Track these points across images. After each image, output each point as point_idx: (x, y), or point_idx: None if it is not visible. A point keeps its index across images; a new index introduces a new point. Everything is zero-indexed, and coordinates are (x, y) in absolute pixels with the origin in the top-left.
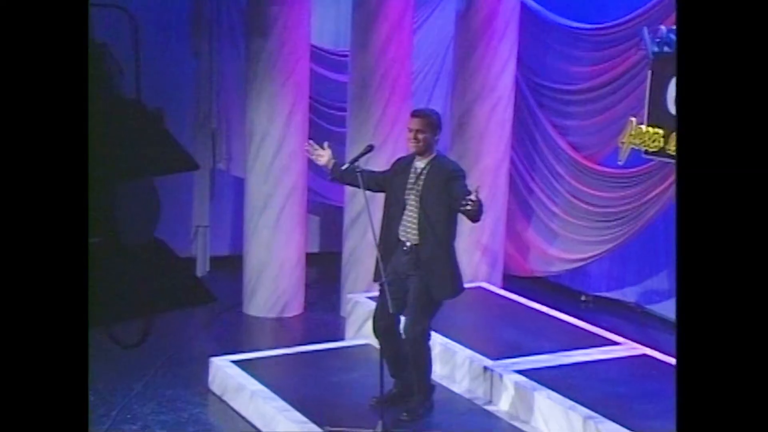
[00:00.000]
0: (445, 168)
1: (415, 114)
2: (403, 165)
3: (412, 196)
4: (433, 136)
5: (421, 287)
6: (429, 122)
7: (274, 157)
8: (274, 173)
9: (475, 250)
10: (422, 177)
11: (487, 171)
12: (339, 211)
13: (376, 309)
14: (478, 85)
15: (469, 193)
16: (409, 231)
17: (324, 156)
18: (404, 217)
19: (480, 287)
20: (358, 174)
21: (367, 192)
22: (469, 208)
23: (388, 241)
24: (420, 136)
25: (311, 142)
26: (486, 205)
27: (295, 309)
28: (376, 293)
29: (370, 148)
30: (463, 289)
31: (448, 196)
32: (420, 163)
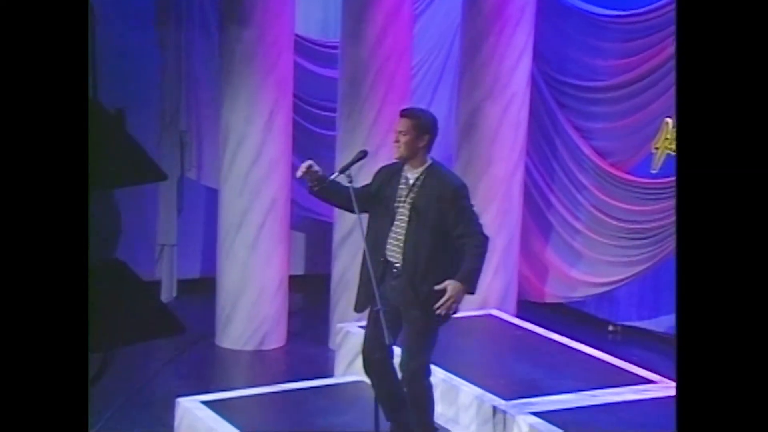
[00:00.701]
0: (441, 182)
1: (400, 113)
2: (389, 174)
3: (404, 211)
4: (417, 141)
5: (417, 314)
6: (414, 124)
7: (252, 164)
8: (253, 183)
9: (484, 273)
10: (415, 189)
11: (499, 180)
12: (327, 227)
13: (367, 340)
14: (488, 81)
15: (472, 221)
16: (398, 250)
17: (315, 170)
18: (392, 234)
19: (490, 315)
20: (349, 188)
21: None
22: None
23: (376, 261)
24: (402, 139)
25: (312, 163)
26: (498, 221)
27: (277, 340)
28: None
29: (363, 155)
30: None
31: (443, 223)
32: (411, 174)
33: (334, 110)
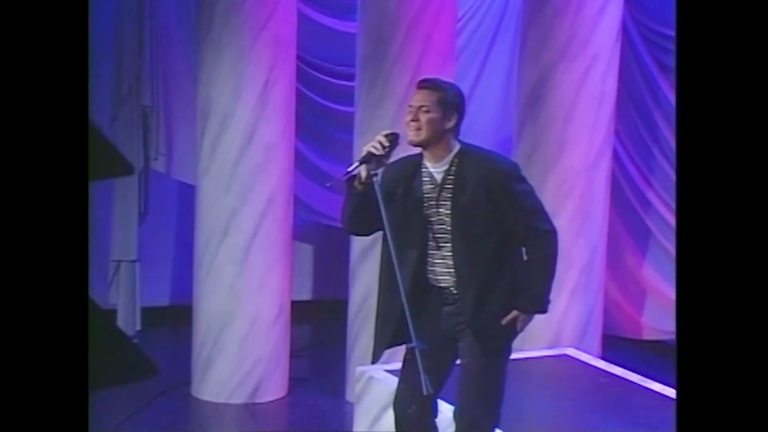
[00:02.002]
0: (484, 167)
1: (419, 85)
2: (403, 173)
3: (441, 218)
4: (444, 121)
5: (475, 350)
6: (440, 98)
7: (240, 152)
8: (242, 177)
9: (557, 296)
10: (449, 184)
11: (576, 173)
12: (344, 236)
13: (399, 389)
14: (561, 38)
15: (535, 214)
16: (448, 271)
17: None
18: (433, 250)
19: (565, 355)
20: (373, 179)
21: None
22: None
23: (415, 287)
24: (422, 117)
25: (392, 136)
26: (575, 226)
27: (275, 390)
28: (399, 365)
29: (394, 139)
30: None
31: (499, 221)
32: (436, 167)
33: (351, 78)
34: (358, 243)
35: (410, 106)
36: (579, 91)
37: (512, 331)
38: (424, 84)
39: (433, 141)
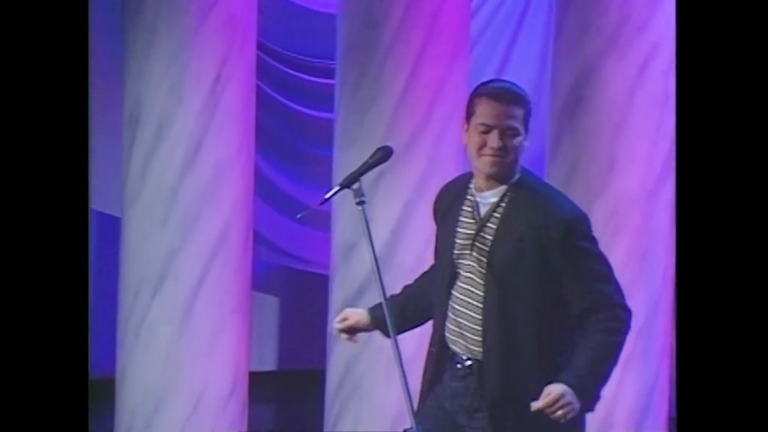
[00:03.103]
0: (539, 210)
1: (497, 95)
2: (449, 198)
3: (472, 264)
4: (525, 140)
5: None
6: (525, 114)
7: (182, 172)
8: (183, 206)
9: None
10: (492, 224)
11: (630, 198)
12: (319, 284)
13: None
14: (608, 23)
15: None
16: (465, 335)
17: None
18: (455, 304)
19: None
20: (359, 207)
21: (375, 251)
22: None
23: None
24: (509, 143)
25: (347, 316)
26: (629, 272)
27: None
28: None
29: (383, 156)
30: None
31: (547, 286)
32: (484, 195)
33: (330, 73)
34: (339, 292)
35: (485, 125)
36: (633, 92)
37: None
38: (509, 94)
39: (513, 170)
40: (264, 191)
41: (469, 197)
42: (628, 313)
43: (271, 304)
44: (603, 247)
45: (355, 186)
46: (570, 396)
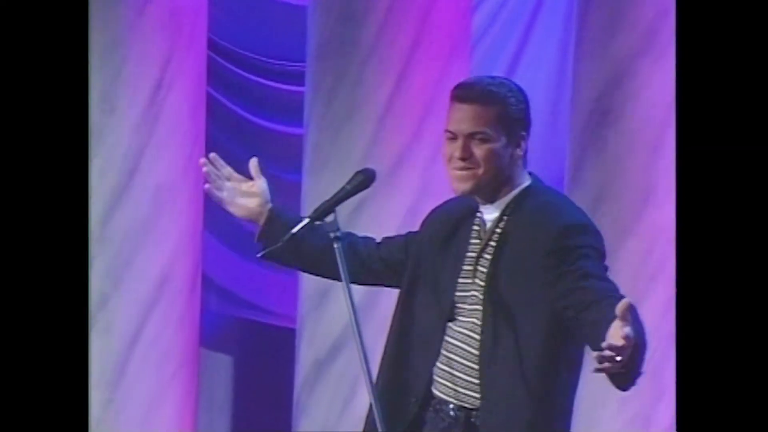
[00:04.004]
0: (541, 216)
1: (460, 94)
2: (448, 218)
3: (473, 291)
4: (510, 146)
5: None
6: (500, 113)
7: (114, 199)
8: (116, 241)
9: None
10: (493, 240)
11: (669, 236)
12: (284, 338)
13: None
14: (643, 18)
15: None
16: (455, 375)
17: (250, 192)
18: (450, 341)
19: None
20: (333, 244)
21: (355, 287)
22: (607, 364)
23: (401, 394)
24: (477, 152)
25: (214, 156)
26: (668, 324)
27: None
28: None
29: (364, 181)
30: None
31: (557, 298)
32: (488, 208)
33: (298, 78)
34: (308, 350)
35: (449, 131)
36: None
37: None
38: (473, 91)
39: (494, 184)
40: (215, 224)
41: (478, 214)
42: (640, 356)
43: (222, 364)
44: (636, 293)
45: (330, 218)
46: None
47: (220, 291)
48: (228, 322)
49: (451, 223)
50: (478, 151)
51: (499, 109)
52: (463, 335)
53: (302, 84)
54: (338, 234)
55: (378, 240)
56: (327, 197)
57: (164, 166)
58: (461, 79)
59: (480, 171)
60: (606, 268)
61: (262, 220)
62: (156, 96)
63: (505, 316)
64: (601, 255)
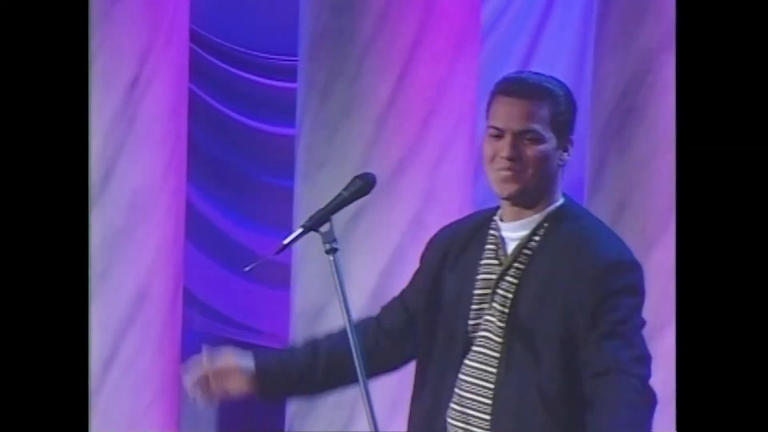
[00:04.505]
0: (579, 245)
1: (510, 87)
2: (460, 239)
3: (490, 317)
4: (559, 150)
5: None
6: (552, 111)
7: (87, 204)
8: (89, 254)
9: None
10: (521, 262)
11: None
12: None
13: None
14: (667, 9)
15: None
16: (468, 415)
17: (229, 372)
18: (465, 379)
19: None
20: (329, 256)
21: (352, 317)
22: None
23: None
24: (528, 152)
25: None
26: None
27: None
28: None
29: (362, 188)
30: None
31: (575, 349)
32: (512, 227)
33: (289, 74)
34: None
35: (495, 128)
36: None
37: None
38: (525, 86)
39: (539, 191)
40: (198, 234)
41: (492, 232)
42: (645, 385)
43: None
44: (663, 316)
45: (325, 228)
46: None
47: (204, 308)
48: (212, 343)
49: (455, 248)
50: (529, 151)
51: (552, 107)
52: (477, 369)
53: (294, 80)
54: (334, 245)
55: (376, 313)
56: (322, 205)
57: (141, 170)
58: (468, 75)
59: (527, 174)
60: (642, 323)
61: (257, 385)
62: (132, 93)
63: (526, 348)
64: (641, 294)
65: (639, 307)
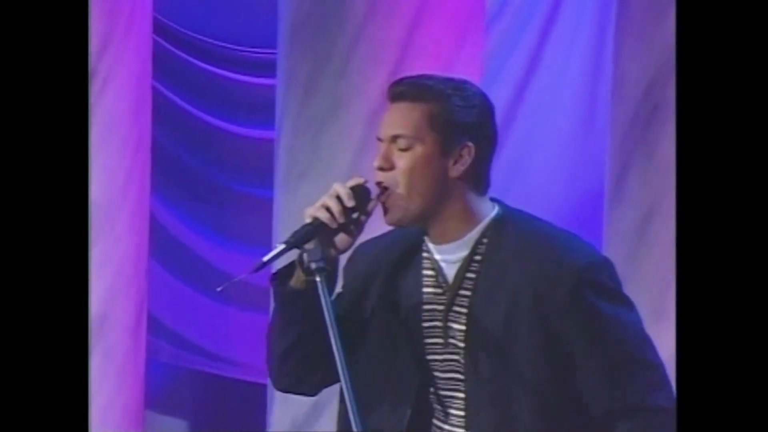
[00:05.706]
0: (540, 253)
1: (391, 92)
2: (389, 258)
3: (447, 350)
4: (445, 158)
5: None
6: (430, 114)
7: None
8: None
9: None
10: (466, 288)
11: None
12: (252, 395)
13: None
14: None
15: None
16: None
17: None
18: (425, 409)
19: None
20: (314, 277)
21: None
22: None
23: None
24: (398, 162)
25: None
26: None
27: None
28: None
29: (363, 193)
30: None
31: (559, 359)
32: (444, 249)
33: (268, 69)
34: (284, 411)
35: (378, 139)
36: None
37: None
38: (399, 86)
39: (429, 210)
40: (164, 251)
41: (425, 256)
42: (668, 415)
43: (175, 427)
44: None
45: (310, 245)
46: None
47: (171, 335)
48: (181, 376)
49: (388, 268)
50: (400, 160)
51: (432, 107)
52: (443, 405)
53: (273, 75)
54: (321, 264)
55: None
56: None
57: (99, 179)
58: (471, 69)
59: (400, 192)
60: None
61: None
62: (89, 92)
63: (496, 383)
64: (620, 289)
65: (630, 306)
